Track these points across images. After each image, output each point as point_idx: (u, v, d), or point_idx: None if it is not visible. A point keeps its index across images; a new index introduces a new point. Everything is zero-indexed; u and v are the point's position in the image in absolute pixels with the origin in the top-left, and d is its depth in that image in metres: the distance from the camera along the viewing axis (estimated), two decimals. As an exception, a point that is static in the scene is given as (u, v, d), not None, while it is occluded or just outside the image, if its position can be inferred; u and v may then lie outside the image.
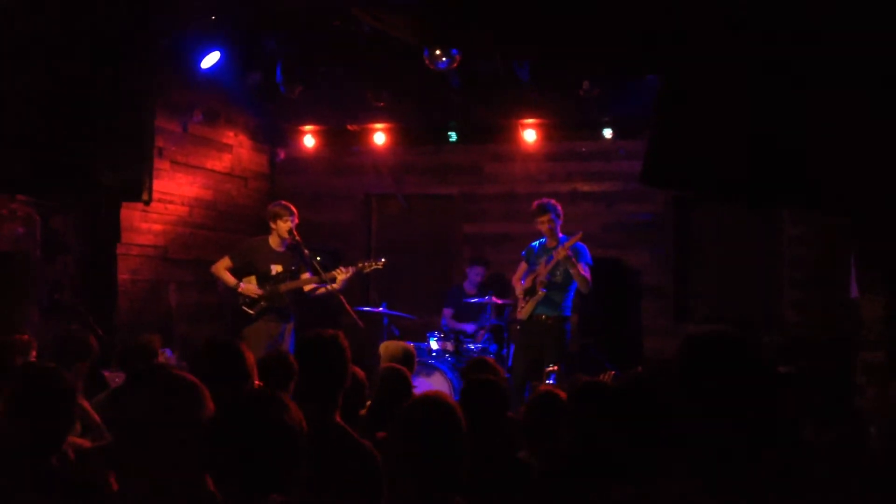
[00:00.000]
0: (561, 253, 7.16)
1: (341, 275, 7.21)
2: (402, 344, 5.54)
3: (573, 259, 7.22)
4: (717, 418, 2.43)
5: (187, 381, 2.50)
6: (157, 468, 2.40)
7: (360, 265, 7.42)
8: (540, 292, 7.34)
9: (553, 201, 7.51)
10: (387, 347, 5.53)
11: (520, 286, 7.59)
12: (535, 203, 7.50)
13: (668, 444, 2.65)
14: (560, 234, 7.44)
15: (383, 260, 7.57)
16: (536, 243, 7.66)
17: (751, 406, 2.46)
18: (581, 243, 7.35)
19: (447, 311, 8.85)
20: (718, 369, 2.47)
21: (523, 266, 7.70)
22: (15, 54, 5.83)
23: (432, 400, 2.68)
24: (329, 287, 7.17)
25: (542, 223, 7.41)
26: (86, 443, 3.64)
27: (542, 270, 7.34)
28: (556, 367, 5.29)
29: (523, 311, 7.47)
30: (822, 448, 3.52)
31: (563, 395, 3.91)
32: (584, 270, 7.30)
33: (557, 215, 7.42)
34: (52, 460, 2.91)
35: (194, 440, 2.42)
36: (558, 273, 7.33)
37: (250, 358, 3.59)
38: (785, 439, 3.11)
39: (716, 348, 2.51)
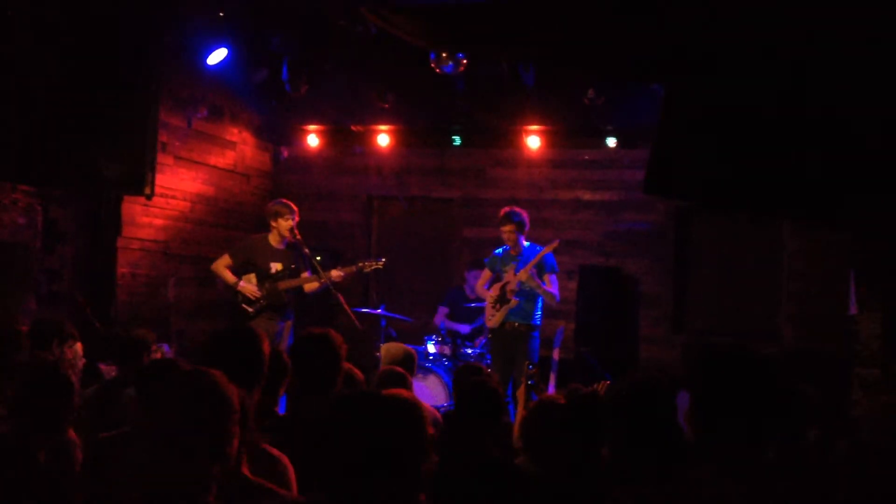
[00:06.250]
0: (523, 276, 7.27)
1: (341, 271, 7.24)
2: (402, 346, 5.52)
3: (536, 280, 7.32)
4: (728, 428, 2.44)
5: (208, 378, 2.46)
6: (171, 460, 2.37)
7: (361, 264, 7.43)
8: (513, 301, 7.37)
9: (519, 210, 7.55)
10: (388, 349, 5.50)
11: (486, 293, 7.64)
12: (502, 211, 7.54)
13: (669, 450, 2.66)
14: (523, 243, 7.49)
15: (383, 259, 7.58)
16: (500, 250, 7.68)
17: (762, 418, 2.47)
18: (550, 253, 7.41)
19: (442, 310, 8.85)
20: (734, 382, 2.47)
21: (487, 273, 7.74)
22: (20, 46, 5.84)
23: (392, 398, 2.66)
24: (327, 281, 7.18)
25: (507, 232, 7.45)
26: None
27: (513, 279, 7.36)
28: (535, 370, 5.30)
29: (494, 319, 7.51)
30: (822, 460, 3.53)
31: (562, 401, 3.91)
32: (551, 284, 7.40)
33: (522, 224, 7.45)
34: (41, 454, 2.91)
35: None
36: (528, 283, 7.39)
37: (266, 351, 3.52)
38: (791, 451, 3.12)
39: (731, 361, 2.52)
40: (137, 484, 2.49)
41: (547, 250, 7.38)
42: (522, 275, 7.29)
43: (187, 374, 2.51)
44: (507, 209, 7.55)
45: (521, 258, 7.46)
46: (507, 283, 7.44)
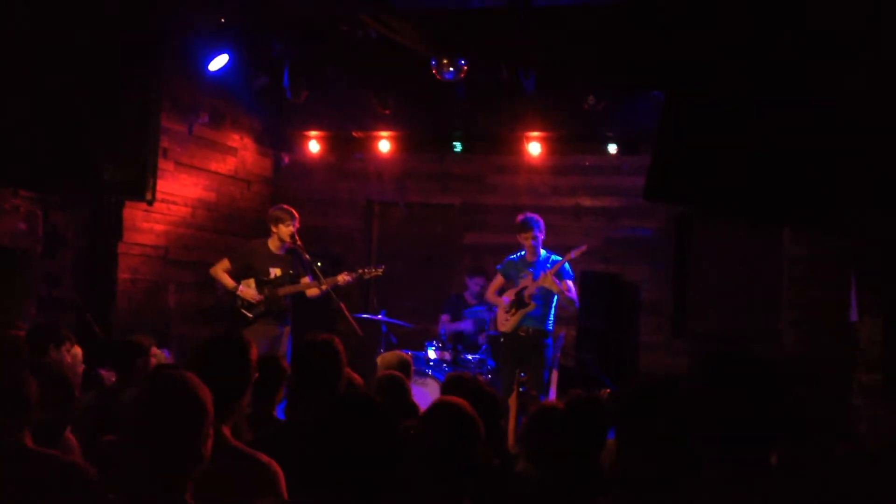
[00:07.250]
0: (548, 280, 7.21)
1: (347, 276, 7.26)
2: (397, 353, 5.56)
3: (558, 285, 7.26)
4: (730, 432, 2.44)
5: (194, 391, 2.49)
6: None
7: (361, 271, 7.44)
8: (532, 304, 7.32)
9: (537, 216, 7.46)
10: (383, 359, 5.58)
11: (498, 300, 7.57)
12: (520, 217, 7.44)
13: (668, 455, 2.66)
14: (540, 250, 7.43)
15: (382, 267, 7.59)
16: (515, 256, 7.61)
17: (764, 422, 2.47)
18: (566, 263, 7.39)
19: (444, 318, 8.81)
20: (737, 386, 2.47)
21: (500, 279, 7.66)
22: (22, 52, 5.85)
23: (455, 405, 2.74)
24: (327, 287, 7.19)
25: (526, 238, 7.37)
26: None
27: (532, 284, 7.33)
28: (527, 377, 5.30)
29: (508, 323, 7.43)
30: (823, 465, 3.52)
31: (561, 406, 3.91)
32: (569, 290, 7.34)
33: (540, 231, 7.39)
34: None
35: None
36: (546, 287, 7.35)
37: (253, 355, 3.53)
38: (793, 456, 3.11)
39: (734, 365, 2.52)
40: (118, 484, 2.53)
41: (576, 255, 7.30)
42: (548, 277, 7.20)
43: (158, 375, 2.55)
44: (526, 215, 7.44)
45: (536, 265, 7.40)
46: (525, 287, 7.38)
